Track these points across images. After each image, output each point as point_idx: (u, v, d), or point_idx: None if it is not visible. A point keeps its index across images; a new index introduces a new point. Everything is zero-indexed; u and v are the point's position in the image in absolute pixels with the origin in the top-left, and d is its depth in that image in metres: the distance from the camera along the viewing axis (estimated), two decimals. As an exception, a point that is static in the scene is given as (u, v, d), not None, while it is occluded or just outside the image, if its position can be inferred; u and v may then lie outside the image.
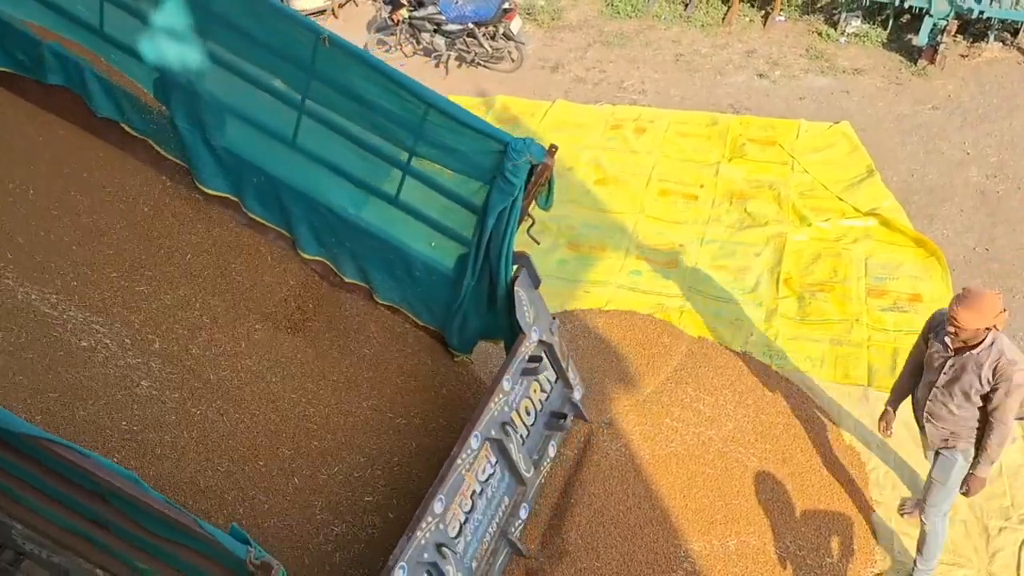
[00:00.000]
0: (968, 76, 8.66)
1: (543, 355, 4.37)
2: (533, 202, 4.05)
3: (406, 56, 9.83)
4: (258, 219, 4.77)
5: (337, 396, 4.49)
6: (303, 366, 4.54)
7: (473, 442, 3.87)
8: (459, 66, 9.85)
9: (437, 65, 9.82)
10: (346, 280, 4.80)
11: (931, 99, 8.41)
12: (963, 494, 4.23)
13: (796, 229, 6.86)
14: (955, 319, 3.78)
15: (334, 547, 3.97)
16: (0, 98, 4.84)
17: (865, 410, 5.38)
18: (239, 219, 4.85)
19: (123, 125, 4.76)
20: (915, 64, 8.89)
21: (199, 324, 4.49)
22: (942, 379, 4.02)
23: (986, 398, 3.93)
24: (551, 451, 4.49)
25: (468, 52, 9.68)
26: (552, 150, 3.88)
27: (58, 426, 3.79)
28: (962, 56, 8.89)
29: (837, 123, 8.06)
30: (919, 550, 4.47)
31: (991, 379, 3.89)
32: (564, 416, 4.54)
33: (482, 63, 9.74)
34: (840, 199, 7.12)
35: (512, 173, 3.85)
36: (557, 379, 4.60)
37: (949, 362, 3.98)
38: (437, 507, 3.64)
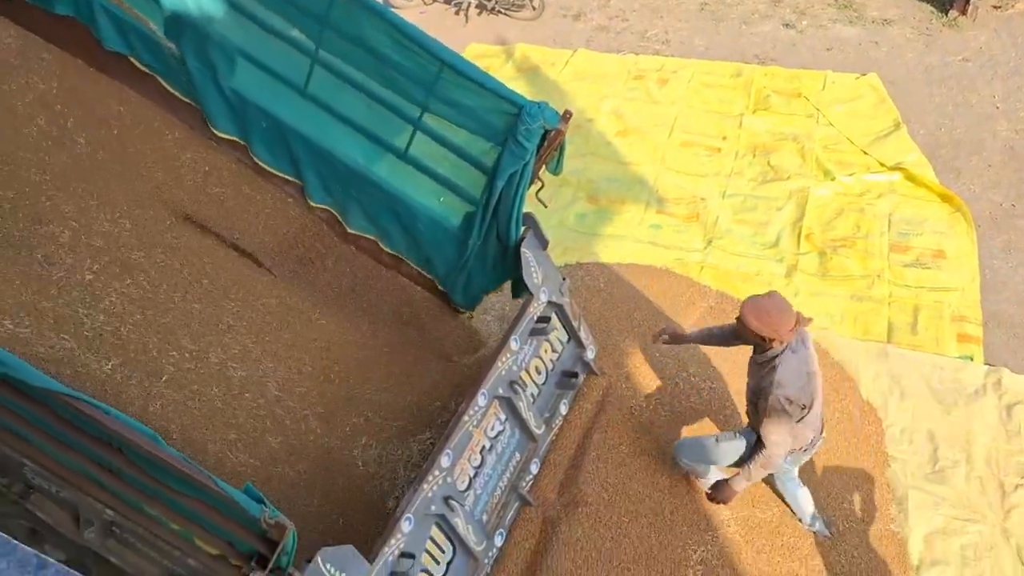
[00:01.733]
0: (1000, 27, 8.43)
1: (552, 316, 4.39)
2: (544, 166, 4.04)
3: (426, 3, 9.71)
4: (264, 165, 4.76)
5: (340, 348, 4.53)
6: (305, 314, 4.58)
7: (480, 400, 3.91)
8: (479, 14, 9.72)
9: (457, 13, 9.69)
10: (349, 231, 4.81)
11: (962, 51, 8.21)
12: (708, 497, 4.26)
13: (819, 183, 6.78)
14: (740, 314, 3.79)
15: (344, 500, 4.05)
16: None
17: (884, 367, 5.38)
18: (247, 162, 4.84)
19: (131, 59, 4.71)
20: (946, 15, 8.66)
21: (203, 272, 4.51)
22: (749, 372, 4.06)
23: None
24: (563, 409, 4.54)
25: (488, 0, 9.53)
26: (567, 116, 3.85)
27: (82, 377, 3.86)
28: (995, 7, 8.64)
29: (864, 75, 7.90)
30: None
31: (756, 390, 3.89)
32: (575, 375, 4.58)
33: (503, 11, 9.60)
34: (865, 153, 7.01)
35: (525, 137, 3.82)
36: (569, 339, 4.62)
37: (750, 360, 3.99)
38: (444, 461, 3.70)
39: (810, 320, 3.83)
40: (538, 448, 4.35)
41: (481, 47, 9.14)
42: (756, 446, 4.03)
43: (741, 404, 4.98)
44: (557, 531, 4.25)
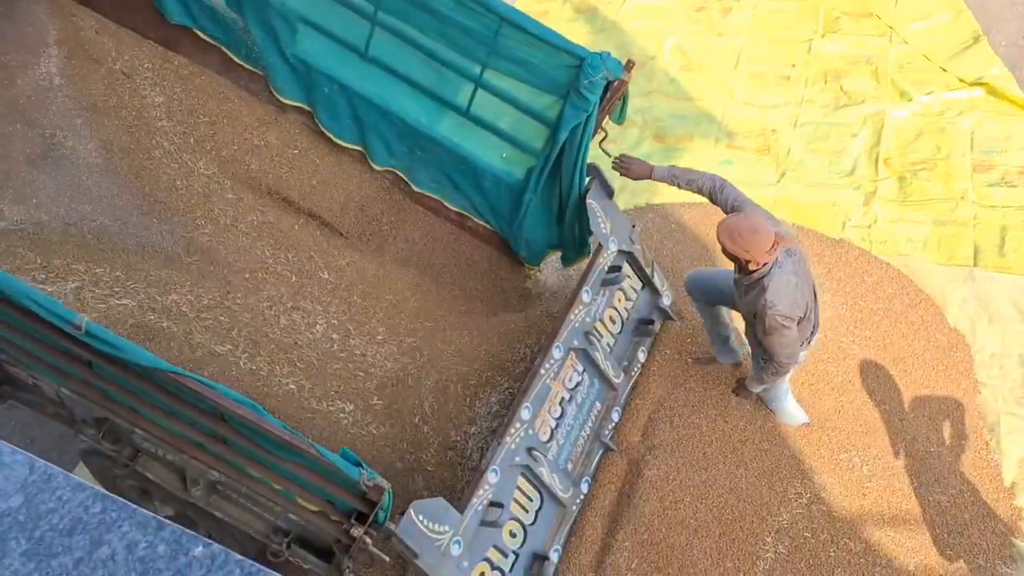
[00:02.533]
0: (1091, -80, 7.85)
1: (623, 264, 4.40)
2: (608, 116, 4.02)
3: (478, -49, 9.58)
4: (328, 134, 4.85)
5: (413, 304, 4.65)
6: (377, 274, 4.70)
7: (556, 353, 3.99)
8: (533, -43, 9.53)
9: (511, -42, 9.53)
10: (415, 190, 4.87)
11: (1048, -50, 7.70)
12: (733, 391, 4.37)
13: (896, 105, 6.51)
14: (717, 235, 3.69)
15: (429, 455, 4.18)
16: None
17: (971, 291, 5.22)
18: (310, 124, 4.94)
19: (196, 31, 4.83)
20: (1030, -89, 8.10)
21: (279, 240, 4.66)
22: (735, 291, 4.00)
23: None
24: (641, 357, 4.57)
25: (542, -59, 9.33)
26: (629, 65, 3.83)
27: (182, 352, 4.07)
28: None
29: (940, -14, 7.50)
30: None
31: (750, 312, 3.82)
32: (651, 322, 4.59)
33: (557, -48, 9.39)
34: (943, 70, 6.69)
35: (588, 89, 3.82)
36: (643, 286, 4.62)
37: (734, 279, 3.93)
38: (524, 414, 3.82)
39: (793, 239, 3.77)
40: (618, 396, 4.41)
41: (537, -9, 8.99)
42: (761, 357, 4.07)
43: (825, 334, 4.93)
44: (642, 473, 4.32)
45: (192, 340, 4.16)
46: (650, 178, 4.12)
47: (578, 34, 8.14)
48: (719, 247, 3.77)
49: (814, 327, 4.11)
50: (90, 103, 4.75)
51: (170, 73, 4.96)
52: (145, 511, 1.83)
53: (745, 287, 3.83)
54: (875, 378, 4.82)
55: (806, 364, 4.57)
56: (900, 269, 5.36)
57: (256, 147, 4.89)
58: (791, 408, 4.53)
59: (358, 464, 2.91)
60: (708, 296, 4.40)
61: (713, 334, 4.59)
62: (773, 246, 3.63)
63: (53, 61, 4.78)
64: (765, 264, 3.68)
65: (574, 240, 4.64)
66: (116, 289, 4.19)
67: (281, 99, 4.85)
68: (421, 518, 3.22)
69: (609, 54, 3.81)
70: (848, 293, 5.19)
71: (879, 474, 4.50)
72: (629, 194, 6.30)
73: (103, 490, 1.85)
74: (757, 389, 4.30)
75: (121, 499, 1.84)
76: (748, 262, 3.67)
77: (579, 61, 3.81)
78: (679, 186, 4.08)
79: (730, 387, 4.60)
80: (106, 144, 4.68)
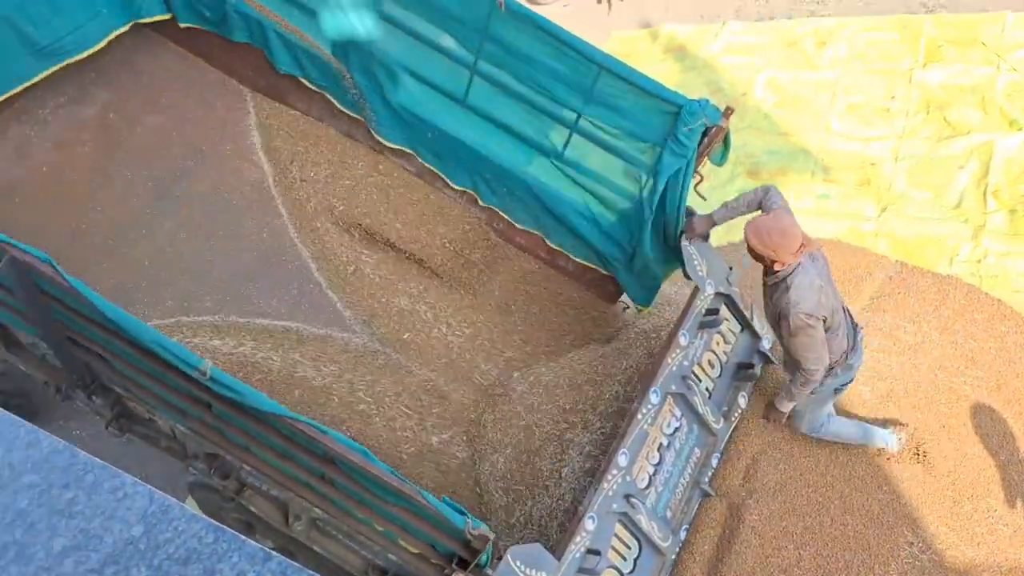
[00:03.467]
0: None
1: (720, 307, 4.31)
2: (706, 160, 4.03)
3: (568, -5, 9.73)
4: (433, 169, 4.96)
5: (505, 347, 4.71)
6: (470, 311, 4.79)
7: (653, 398, 3.93)
8: (621, 0, 9.64)
9: (599, 2, 9.65)
10: (517, 227, 4.94)
11: None
12: (763, 416, 4.18)
13: (1005, 135, 6.26)
14: (744, 235, 3.62)
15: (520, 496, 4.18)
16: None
17: (1093, 329, 4.92)
18: (409, 167, 5.08)
19: (302, 80, 5.03)
20: None
21: (383, 278, 4.81)
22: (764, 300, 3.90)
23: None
24: (741, 402, 4.45)
25: (631, -17, 9.43)
26: (728, 112, 3.85)
27: (277, 384, 4.22)
28: None
29: (1050, 11, 7.21)
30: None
31: (774, 313, 3.71)
32: (751, 366, 4.47)
33: (646, -8, 9.47)
34: (1057, 97, 6.42)
35: (686, 136, 3.85)
36: (742, 329, 4.51)
37: (763, 284, 3.84)
38: (622, 460, 3.77)
39: (818, 244, 3.72)
40: (717, 443, 4.31)
41: (626, 33, 9.07)
42: (792, 368, 3.95)
43: (935, 374, 4.73)
44: (743, 518, 4.20)
45: (295, 374, 4.32)
46: (715, 225, 4.13)
47: (668, 73, 8.16)
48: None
49: (853, 346, 3.99)
50: (199, 147, 5.05)
51: (276, 119, 5.23)
52: (254, 543, 1.90)
53: (770, 288, 3.82)
54: (989, 421, 4.57)
55: (858, 391, 4.41)
56: (1013, 306, 5.10)
57: (357, 189, 5.06)
58: (848, 428, 4.36)
59: (463, 513, 2.94)
60: None
61: None
62: (799, 248, 3.65)
63: (170, 109, 5.12)
64: (787, 265, 3.69)
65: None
66: (226, 327, 4.41)
67: (383, 142, 5.01)
68: (519, 563, 3.21)
69: (708, 101, 3.82)
70: (957, 331, 4.96)
71: (993, 523, 4.25)
72: (724, 229, 6.18)
73: (215, 522, 1.93)
74: (787, 408, 4.12)
75: (231, 531, 1.91)
76: (774, 263, 3.69)
77: (677, 108, 3.83)
78: (741, 213, 4.06)
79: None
80: (216, 186, 4.94)
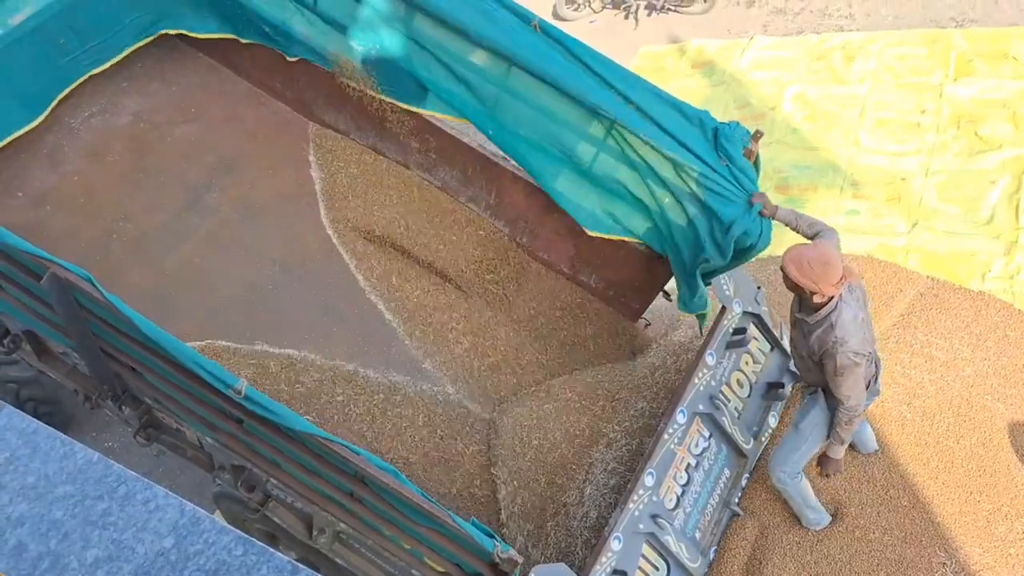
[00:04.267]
0: None
1: (748, 326, 4.30)
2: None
3: (595, 12, 9.77)
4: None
5: (528, 362, 4.71)
6: (493, 330, 4.80)
7: (679, 417, 3.92)
8: (649, 15, 9.66)
9: (627, 17, 9.69)
10: (541, 242, 4.93)
11: None
12: (821, 475, 4.00)
13: (1038, 150, 6.19)
14: (783, 264, 3.51)
15: (544, 513, 4.17)
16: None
17: None
18: (434, 181, 5.09)
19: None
20: None
21: (405, 293, 4.84)
22: (793, 335, 3.80)
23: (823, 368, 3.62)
24: (772, 422, 4.41)
25: (657, 0, 9.47)
26: (757, 135, 3.90)
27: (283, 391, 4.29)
28: None
29: (1084, 24, 7.13)
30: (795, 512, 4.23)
31: (816, 350, 3.57)
32: (782, 385, 4.42)
33: (672, 8, 9.49)
34: (1092, 111, 6.33)
35: (739, 156, 3.91)
36: (772, 348, 4.48)
37: (794, 318, 3.71)
38: (648, 480, 3.75)
39: (858, 276, 3.58)
40: (748, 463, 4.27)
41: (654, 48, 9.08)
42: (830, 404, 3.85)
43: (968, 391, 4.66)
44: (774, 539, 4.16)
45: (322, 389, 4.36)
46: (774, 217, 3.99)
47: (696, 88, 8.16)
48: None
49: (877, 369, 3.90)
50: (229, 158, 5.12)
51: (308, 131, 5.29)
52: (281, 556, 1.92)
53: (811, 326, 3.64)
54: (1022, 440, 4.50)
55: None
56: (1046, 325, 5.03)
57: (384, 202, 5.11)
58: (809, 497, 4.18)
59: (491, 536, 2.95)
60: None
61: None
62: (840, 280, 3.50)
63: (200, 120, 5.20)
64: (831, 299, 3.55)
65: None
66: (254, 342, 4.46)
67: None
68: None
69: (738, 124, 3.90)
70: (990, 349, 4.89)
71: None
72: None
73: (243, 534, 1.95)
74: (841, 454, 3.93)
75: (260, 543, 1.93)
76: (813, 294, 3.53)
77: (710, 131, 3.92)
78: (797, 230, 3.95)
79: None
80: (243, 197, 5.01)
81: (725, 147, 3.89)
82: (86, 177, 4.83)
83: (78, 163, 4.87)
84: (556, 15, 9.83)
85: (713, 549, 4.08)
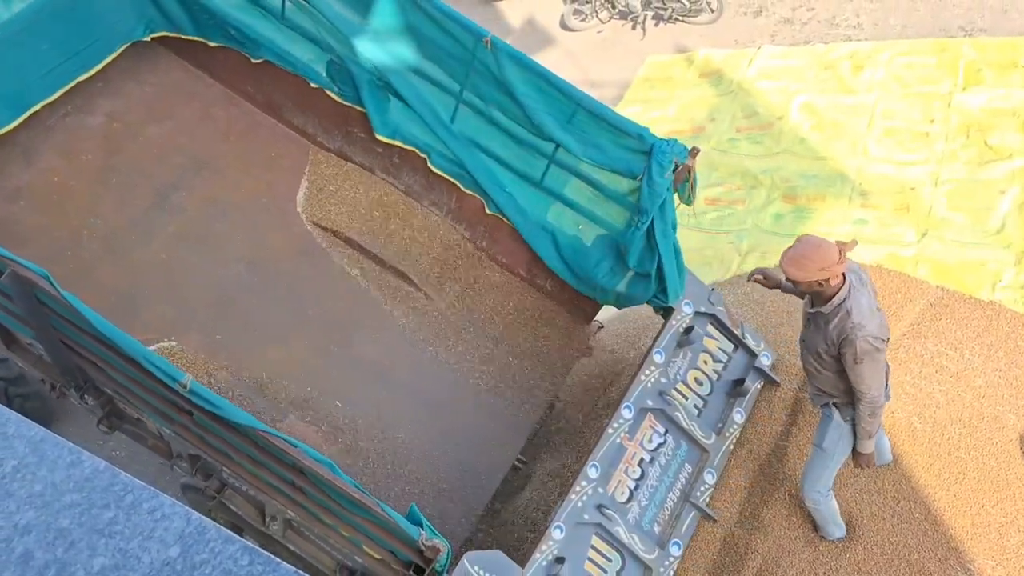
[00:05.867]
0: None
1: (699, 326, 4.49)
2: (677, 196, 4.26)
3: (602, 22, 9.79)
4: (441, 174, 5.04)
5: (483, 360, 4.80)
6: (447, 329, 4.88)
7: (625, 412, 4.10)
8: (656, 25, 9.68)
9: (634, 27, 9.71)
10: (500, 246, 5.08)
11: None
12: (857, 465, 3.96)
13: (1048, 159, 6.16)
14: (784, 273, 3.52)
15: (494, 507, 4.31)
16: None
17: None
18: (398, 185, 5.21)
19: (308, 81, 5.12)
20: None
21: (361, 288, 4.92)
22: (803, 332, 3.77)
23: (841, 361, 3.59)
24: (737, 418, 4.51)
25: (665, 9, 9.48)
26: (694, 152, 4.08)
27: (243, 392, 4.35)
28: None
29: (1094, 33, 7.11)
30: (815, 529, 4.22)
31: (835, 340, 3.54)
32: (743, 382, 4.56)
33: (679, 18, 9.50)
34: (1102, 120, 6.30)
35: (659, 174, 4.08)
36: (736, 348, 4.62)
37: (807, 315, 3.71)
38: (591, 473, 3.91)
39: (854, 243, 3.53)
40: (711, 458, 4.38)
41: (661, 58, 9.10)
42: (845, 416, 3.83)
43: (979, 402, 4.63)
44: (791, 555, 4.14)
45: (288, 391, 4.44)
46: (780, 288, 4.02)
47: (703, 97, 8.16)
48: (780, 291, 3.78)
49: (887, 371, 3.86)
50: (199, 158, 5.17)
51: (268, 131, 5.35)
52: (288, 566, 1.90)
53: (826, 317, 3.61)
54: (1037, 451, 4.46)
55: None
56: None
57: (348, 203, 5.19)
58: (835, 515, 4.21)
59: (419, 524, 3.13)
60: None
61: None
62: (841, 255, 3.47)
63: (172, 120, 5.26)
64: (843, 285, 3.54)
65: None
66: (220, 347, 4.53)
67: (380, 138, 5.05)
68: (477, 568, 3.35)
69: (676, 140, 4.07)
70: (1001, 359, 4.85)
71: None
72: (759, 254, 6.20)
73: (249, 543, 1.94)
74: (870, 447, 3.89)
75: (266, 553, 1.92)
76: (827, 280, 3.50)
77: (648, 146, 4.07)
78: (796, 293, 3.99)
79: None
80: (211, 197, 5.07)
81: (650, 164, 4.08)
82: (59, 174, 4.91)
83: (52, 161, 4.94)
84: (564, 26, 9.87)
85: (675, 542, 4.15)
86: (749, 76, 8.19)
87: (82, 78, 4.97)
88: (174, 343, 4.38)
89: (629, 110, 8.44)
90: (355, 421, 4.45)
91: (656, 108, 8.33)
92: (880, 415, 3.77)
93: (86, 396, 4.28)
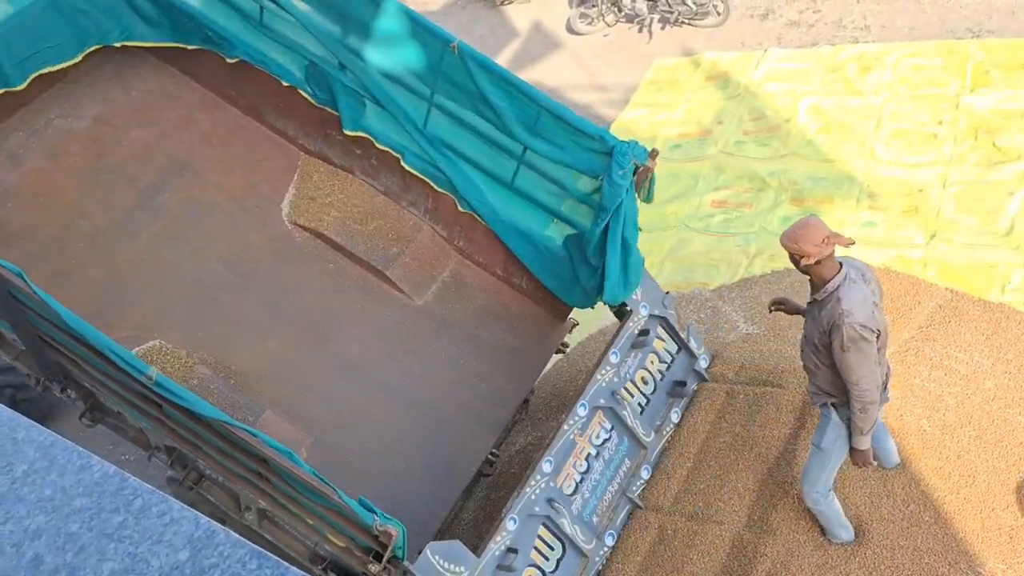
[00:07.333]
0: None
1: (652, 328, 4.68)
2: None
3: (609, 26, 9.80)
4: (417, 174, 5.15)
5: (455, 357, 4.90)
6: (423, 325, 4.98)
7: (580, 410, 4.30)
8: (663, 28, 9.68)
9: (640, 30, 9.71)
10: (477, 246, 5.20)
11: None
12: (855, 463, 3.95)
13: (1058, 160, 6.13)
14: (781, 240, 3.62)
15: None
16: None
17: None
18: (377, 186, 5.30)
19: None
20: None
21: (338, 287, 5.00)
22: (804, 328, 3.82)
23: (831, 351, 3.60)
24: (674, 417, 4.80)
25: (671, 12, 9.48)
26: (654, 154, 4.26)
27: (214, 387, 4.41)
28: None
29: (1103, 33, 7.08)
30: (823, 533, 4.22)
31: (825, 328, 3.55)
32: (685, 383, 4.82)
33: (686, 21, 9.50)
34: (1111, 121, 6.27)
35: (620, 176, 4.24)
36: (679, 349, 4.87)
37: (807, 308, 3.77)
38: (546, 467, 4.11)
39: (851, 241, 3.58)
40: (648, 455, 4.64)
41: (667, 61, 9.10)
42: (843, 416, 3.82)
43: (989, 405, 4.61)
44: (801, 558, 4.13)
45: (266, 387, 4.51)
46: (799, 313, 4.03)
47: (710, 100, 8.16)
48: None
49: (887, 372, 3.85)
50: (181, 160, 5.24)
51: (251, 134, 5.42)
52: (296, 569, 1.91)
53: (819, 304, 3.65)
54: (1047, 454, 4.43)
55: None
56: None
57: (325, 204, 5.25)
58: (839, 515, 4.18)
59: (372, 511, 3.26)
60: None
61: None
62: (824, 240, 3.51)
63: (156, 124, 5.33)
64: (839, 272, 3.59)
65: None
66: (193, 340, 4.59)
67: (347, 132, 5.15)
68: (437, 558, 3.53)
69: (636, 142, 4.24)
70: (1011, 361, 4.82)
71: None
72: (767, 257, 6.20)
73: (258, 548, 1.95)
74: (866, 444, 3.84)
75: (274, 557, 1.93)
76: (814, 262, 3.55)
77: (609, 148, 4.23)
78: None
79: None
80: (193, 198, 5.13)
81: (610, 165, 4.23)
82: (46, 175, 5.00)
83: (39, 162, 5.03)
84: (570, 29, 9.88)
85: (610, 533, 4.40)
86: (756, 79, 8.18)
87: (47, 70, 5.00)
88: (157, 341, 4.46)
89: (636, 113, 8.44)
90: (331, 416, 4.54)
91: (663, 111, 8.33)
92: (873, 412, 3.74)
93: (68, 390, 4.47)
